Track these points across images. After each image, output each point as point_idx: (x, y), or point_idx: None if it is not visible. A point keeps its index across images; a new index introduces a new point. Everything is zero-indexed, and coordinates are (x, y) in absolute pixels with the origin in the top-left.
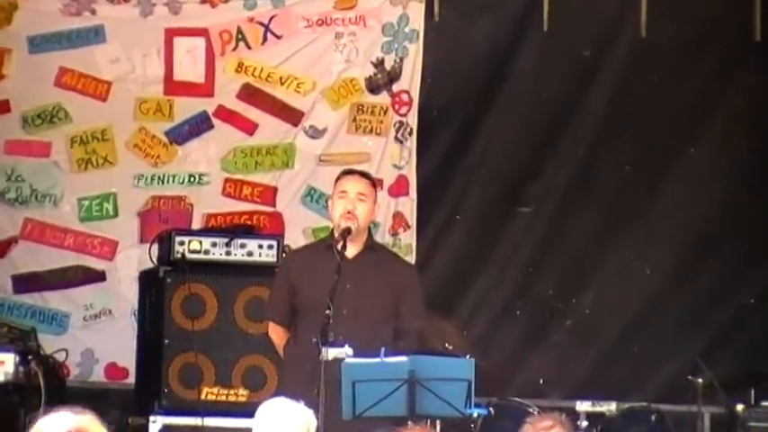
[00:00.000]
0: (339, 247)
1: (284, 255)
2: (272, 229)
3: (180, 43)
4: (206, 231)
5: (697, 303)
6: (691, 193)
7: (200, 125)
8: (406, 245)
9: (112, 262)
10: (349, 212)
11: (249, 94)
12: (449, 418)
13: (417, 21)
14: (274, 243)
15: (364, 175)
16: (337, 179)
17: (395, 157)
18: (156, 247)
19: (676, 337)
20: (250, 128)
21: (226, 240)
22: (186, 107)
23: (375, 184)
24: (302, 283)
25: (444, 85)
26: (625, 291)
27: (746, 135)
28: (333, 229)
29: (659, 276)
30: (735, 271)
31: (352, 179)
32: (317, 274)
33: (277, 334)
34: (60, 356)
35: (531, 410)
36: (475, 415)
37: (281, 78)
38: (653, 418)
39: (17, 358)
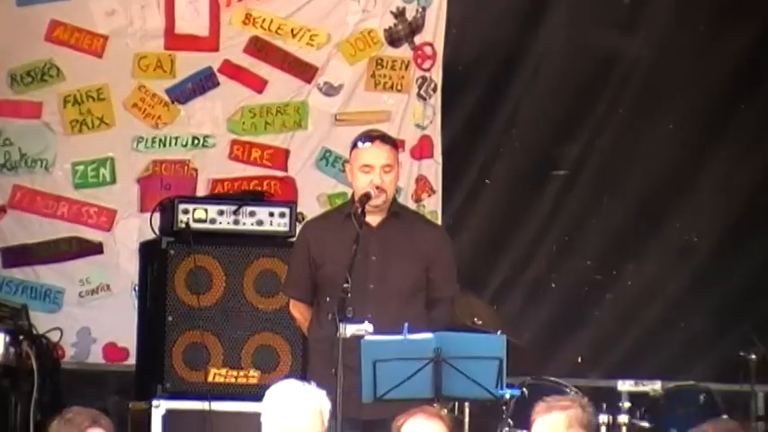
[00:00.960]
0: (358, 212)
1: (300, 225)
2: (284, 195)
3: None
4: (212, 198)
5: (748, 274)
6: (741, 156)
7: (204, 82)
8: (431, 212)
9: (110, 233)
10: (378, 188)
11: (257, 48)
12: (478, 399)
13: None
14: (286, 211)
15: (385, 139)
16: (354, 146)
17: (418, 115)
18: (157, 216)
19: (726, 310)
20: (259, 85)
21: (233, 208)
22: (189, 63)
23: (397, 146)
24: (324, 257)
25: (471, 37)
26: (670, 261)
27: None
28: (352, 194)
29: (707, 245)
30: None
31: (374, 149)
32: (340, 245)
33: (300, 312)
34: (54, 336)
35: (568, 391)
36: (507, 396)
37: (292, 30)
38: (701, 398)
39: (7, 338)
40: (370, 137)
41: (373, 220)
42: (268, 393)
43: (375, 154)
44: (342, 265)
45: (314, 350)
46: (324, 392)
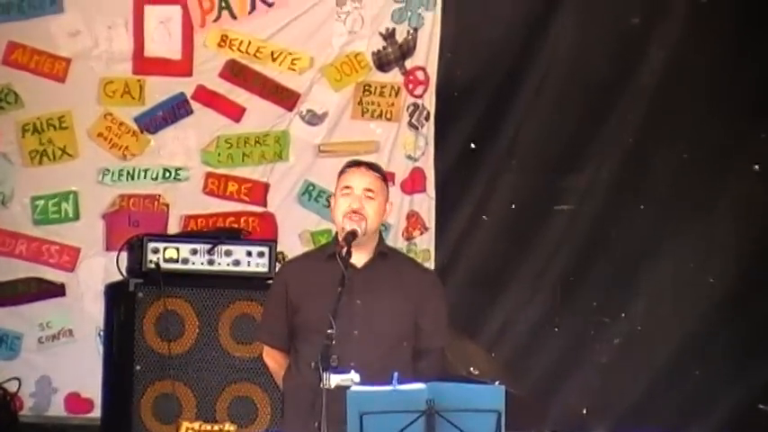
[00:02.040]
0: (343, 253)
1: (279, 264)
2: (263, 232)
3: (152, 13)
4: (184, 237)
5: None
6: (761, 187)
7: (176, 110)
8: (424, 250)
9: (73, 273)
10: (354, 212)
11: (234, 72)
12: None
13: None
14: (266, 250)
15: (372, 167)
16: (340, 173)
17: (409, 146)
18: (124, 255)
19: (743, 357)
20: (236, 113)
21: (208, 247)
22: (160, 88)
23: (386, 178)
24: (302, 300)
25: (467, 60)
26: (682, 303)
27: None
28: (336, 234)
29: (722, 286)
30: None
31: (357, 172)
32: (321, 288)
33: (274, 359)
34: (12, 387)
35: None
36: None
37: (272, 53)
38: None
39: None
40: (356, 162)
41: (358, 260)
42: None
43: (358, 177)
44: (322, 310)
45: (289, 400)
46: None
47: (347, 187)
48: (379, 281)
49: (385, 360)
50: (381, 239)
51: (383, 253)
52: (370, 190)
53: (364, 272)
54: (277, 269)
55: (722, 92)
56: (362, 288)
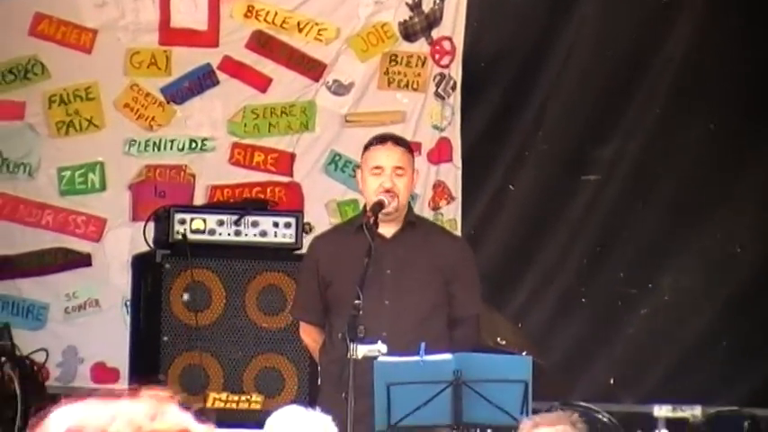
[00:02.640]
0: (370, 223)
1: (306, 234)
2: (289, 202)
3: None
4: (211, 207)
5: None
6: None
7: (202, 81)
8: (450, 220)
9: (99, 243)
10: (388, 191)
11: (261, 43)
12: (502, 427)
13: None
14: (292, 220)
15: (398, 141)
16: (366, 148)
17: (435, 116)
18: (151, 226)
19: None
20: (262, 83)
21: (235, 218)
22: (186, 59)
23: (412, 149)
24: (334, 274)
25: (494, 30)
26: (710, 274)
27: None
28: (364, 207)
29: (751, 257)
30: None
31: (384, 151)
32: (351, 261)
33: (310, 336)
34: (39, 357)
35: (600, 417)
36: None
37: (298, 24)
38: (746, 424)
39: None
40: (381, 138)
41: (387, 231)
42: (269, 420)
43: (386, 155)
44: (353, 282)
45: (325, 374)
46: (329, 418)
47: (377, 168)
48: (409, 250)
49: (418, 330)
50: (410, 209)
51: (411, 222)
52: (399, 167)
53: (393, 242)
54: (305, 242)
55: (749, 63)
56: (392, 258)
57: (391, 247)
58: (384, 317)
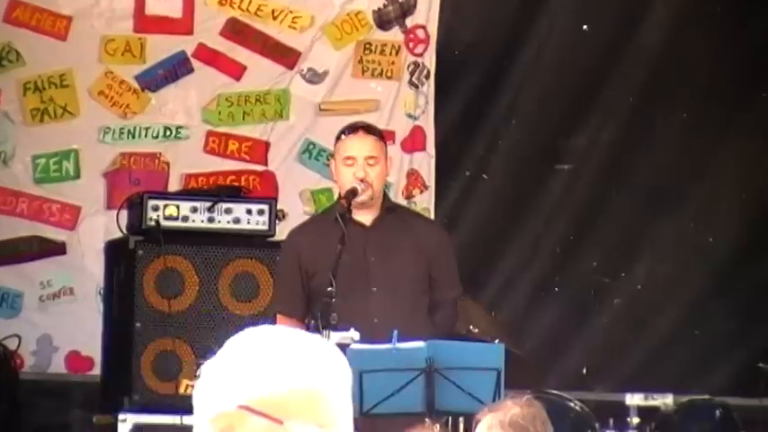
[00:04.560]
0: (344, 210)
1: (282, 225)
2: (264, 191)
3: None
4: (185, 194)
5: None
6: (762, 146)
7: (177, 68)
8: (423, 209)
9: (74, 231)
10: (361, 180)
11: (235, 31)
12: (474, 414)
13: None
14: (266, 208)
15: (369, 130)
16: (337, 138)
17: (409, 104)
18: (124, 213)
19: (745, 317)
20: (236, 71)
21: (208, 205)
22: (161, 47)
23: (384, 137)
24: (317, 265)
25: (468, 19)
26: (683, 263)
27: None
28: (339, 195)
29: (723, 246)
30: None
31: (356, 140)
32: (332, 251)
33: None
34: (12, 344)
35: (572, 405)
36: None
37: (272, 12)
38: (717, 413)
39: None
40: (352, 128)
41: (366, 218)
42: None
43: (357, 145)
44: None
45: None
46: None
47: (349, 158)
48: (390, 236)
49: (409, 314)
50: (387, 197)
51: (390, 209)
52: (372, 157)
53: (374, 229)
54: (279, 229)
55: (725, 52)
56: (375, 245)
57: (372, 234)
58: (374, 304)
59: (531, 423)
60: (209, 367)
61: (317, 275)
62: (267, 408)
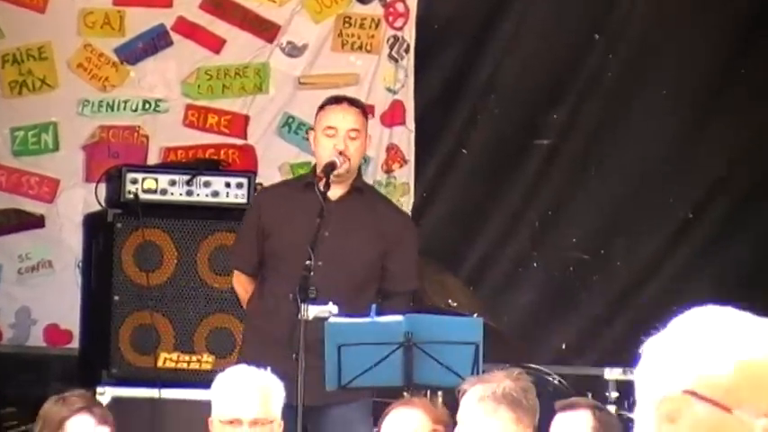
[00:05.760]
0: (322, 185)
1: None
2: (243, 164)
3: None
4: (163, 168)
5: (748, 254)
6: (741, 124)
7: (156, 41)
8: (403, 183)
9: (52, 204)
10: (341, 153)
11: (214, 4)
12: (452, 388)
13: None
14: (245, 181)
15: (354, 103)
16: (320, 108)
17: (389, 79)
18: (103, 186)
19: (724, 293)
20: (216, 45)
21: (187, 178)
22: (140, 20)
23: (366, 112)
24: (274, 227)
25: None
26: (662, 240)
27: None
28: (314, 166)
29: (704, 223)
30: None
31: (340, 111)
32: (293, 217)
33: (243, 285)
34: None
35: (550, 379)
36: None
37: None
38: None
39: None
40: (336, 99)
41: (332, 193)
42: (218, 378)
43: (341, 117)
44: (291, 239)
45: (248, 327)
46: (277, 379)
47: (331, 128)
48: (352, 216)
49: (348, 294)
50: (359, 175)
51: (359, 188)
52: (354, 130)
53: (337, 205)
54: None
55: (706, 28)
56: (333, 221)
57: (334, 210)
58: (316, 278)
59: (524, 396)
60: (653, 346)
61: (271, 237)
62: (714, 393)
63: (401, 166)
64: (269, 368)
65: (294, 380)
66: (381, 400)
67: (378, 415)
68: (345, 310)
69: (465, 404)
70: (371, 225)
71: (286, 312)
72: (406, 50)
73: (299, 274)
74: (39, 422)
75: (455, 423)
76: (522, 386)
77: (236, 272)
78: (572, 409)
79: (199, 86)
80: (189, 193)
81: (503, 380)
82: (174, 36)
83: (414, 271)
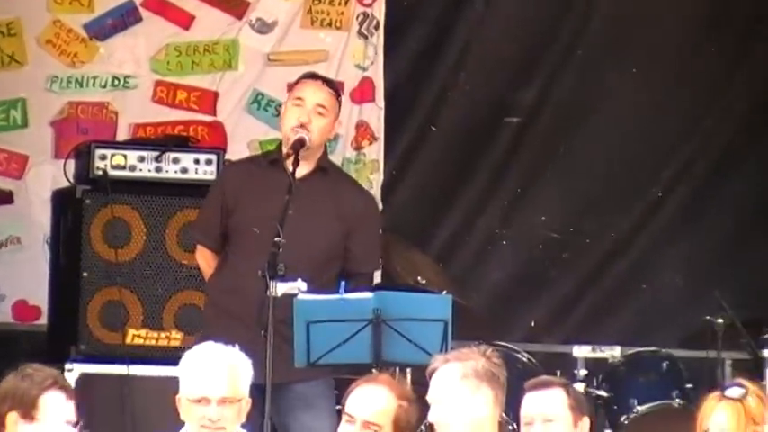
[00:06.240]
0: (290, 162)
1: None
2: (212, 141)
3: None
4: (132, 144)
5: (717, 233)
6: (711, 101)
7: (125, 18)
8: (372, 161)
9: (21, 181)
10: (302, 125)
11: None
12: (421, 365)
13: None
14: (213, 158)
15: (329, 83)
16: (296, 82)
17: (358, 56)
18: (72, 162)
19: (692, 272)
20: (185, 21)
21: (156, 154)
22: None
23: (339, 95)
24: (238, 203)
25: None
26: (632, 218)
27: None
28: (281, 142)
29: (673, 200)
30: (762, 202)
31: (312, 85)
32: (258, 193)
33: (206, 260)
34: None
35: (519, 357)
36: None
37: None
38: (664, 365)
39: None
40: (313, 74)
41: (298, 171)
42: (185, 356)
43: (311, 90)
44: (255, 215)
45: (209, 302)
46: (244, 356)
47: (299, 98)
48: (316, 195)
49: (309, 273)
50: (325, 154)
51: (324, 168)
52: (322, 106)
53: (302, 184)
54: None
55: (676, 5)
56: (297, 199)
57: (299, 189)
58: (279, 256)
59: (500, 373)
60: None
61: (235, 213)
62: None
63: (371, 143)
64: (237, 346)
65: (259, 358)
66: (347, 378)
67: (343, 392)
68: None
69: (443, 383)
70: (334, 205)
71: (250, 289)
72: (376, 27)
73: (262, 251)
74: (5, 400)
75: (421, 399)
76: (497, 362)
77: (199, 246)
78: (545, 388)
79: (168, 63)
80: (158, 170)
81: (478, 357)
82: (144, 12)
83: (376, 252)
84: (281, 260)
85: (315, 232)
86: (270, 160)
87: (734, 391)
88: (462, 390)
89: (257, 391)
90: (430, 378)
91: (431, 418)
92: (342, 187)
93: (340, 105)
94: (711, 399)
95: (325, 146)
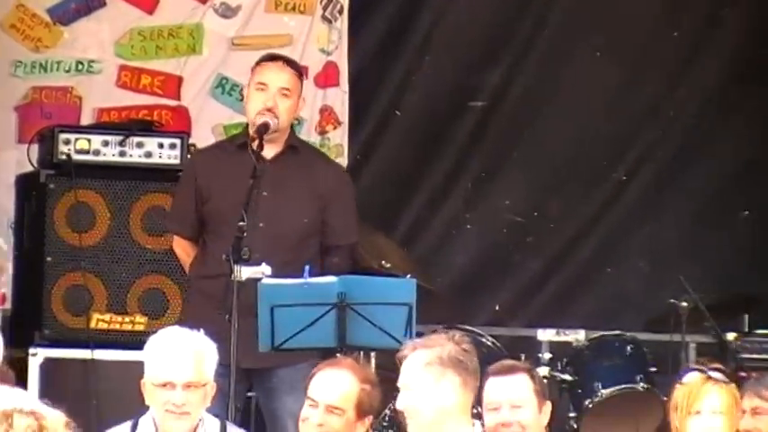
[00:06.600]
0: (255, 146)
1: (189, 155)
2: (176, 125)
3: None
4: (96, 128)
5: (681, 216)
6: (675, 83)
7: (89, 2)
8: (336, 145)
9: None
10: (269, 110)
11: None
12: (385, 349)
13: None
14: (178, 142)
15: (290, 63)
16: (257, 64)
17: (322, 40)
18: (36, 147)
19: (656, 255)
20: (149, 5)
21: (120, 139)
22: None
23: (302, 74)
24: (212, 190)
25: None
26: (596, 201)
27: None
28: (247, 125)
29: (638, 183)
30: (727, 185)
31: (274, 68)
32: (230, 178)
33: (183, 249)
34: None
35: (483, 341)
36: None
37: None
38: (628, 348)
39: None
40: (273, 56)
41: (267, 152)
42: (150, 341)
43: (274, 74)
44: (230, 200)
45: (192, 290)
46: (210, 341)
47: (262, 84)
48: (288, 174)
49: (291, 254)
50: (293, 133)
51: (294, 147)
52: (285, 89)
53: (273, 164)
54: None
55: None
56: (270, 180)
57: (270, 170)
58: (257, 239)
59: (469, 359)
60: None
61: (210, 201)
62: None
63: (335, 127)
64: (202, 330)
65: (243, 342)
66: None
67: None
68: (290, 269)
69: (409, 370)
70: (308, 182)
71: (227, 275)
72: (340, 12)
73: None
74: None
75: (384, 383)
76: (466, 348)
77: (175, 237)
78: (510, 374)
79: (132, 47)
80: (122, 154)
81: (446, 343)
82: None
83: (354, 223)
84: (263, 242)
85: (291, 211)
86: (237, 144)
87: (718, 375)
88: (426, 377)
89: (242, 374)
90: (400, 365)
91: (399, 404)
92: (313, 163)
93: (302, 83)
94: (697, 381)
95: (293, 126)
